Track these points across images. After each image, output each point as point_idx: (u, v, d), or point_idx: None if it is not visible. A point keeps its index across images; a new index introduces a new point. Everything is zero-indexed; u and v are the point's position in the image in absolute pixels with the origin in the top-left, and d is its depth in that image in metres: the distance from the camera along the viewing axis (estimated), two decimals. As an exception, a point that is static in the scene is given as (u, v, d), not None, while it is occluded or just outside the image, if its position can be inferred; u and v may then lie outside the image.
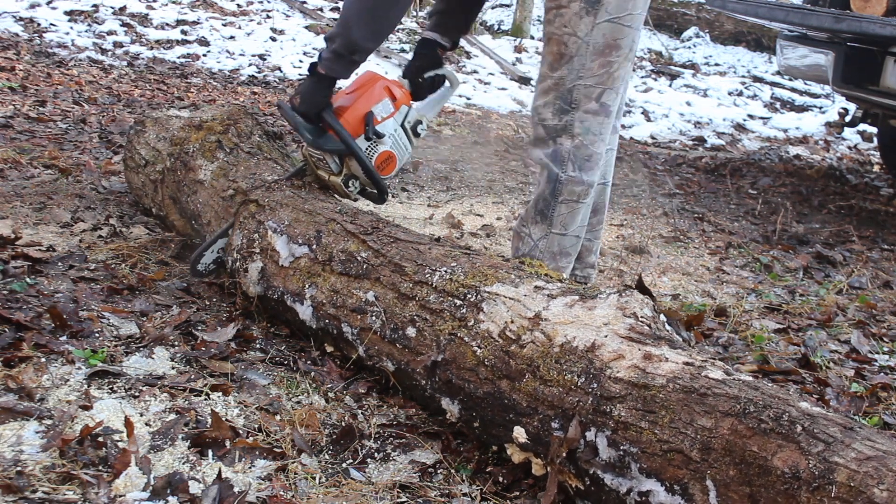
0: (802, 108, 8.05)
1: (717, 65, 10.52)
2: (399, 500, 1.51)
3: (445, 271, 1.78)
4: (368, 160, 2.24)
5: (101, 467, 1.46)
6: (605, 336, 1.49)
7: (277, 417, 1.73)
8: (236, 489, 1.44)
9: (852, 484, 1.12)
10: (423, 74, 2.44)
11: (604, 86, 2.19)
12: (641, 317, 1.51)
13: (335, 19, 8.97)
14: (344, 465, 1.62)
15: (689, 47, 11.39)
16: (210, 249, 2.26)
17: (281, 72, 6.80)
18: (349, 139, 2.20)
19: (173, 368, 1.88)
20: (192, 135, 2.59)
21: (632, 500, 1.36)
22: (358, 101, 2.24)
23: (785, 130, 7.15)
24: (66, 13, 7.12)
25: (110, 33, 6.90)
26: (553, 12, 2.20)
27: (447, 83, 2.50)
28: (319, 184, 2.32)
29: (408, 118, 2.34)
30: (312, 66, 2.17)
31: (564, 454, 1.43)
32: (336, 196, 2.32)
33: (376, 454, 1.66)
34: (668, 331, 1.53)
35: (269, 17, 8.31)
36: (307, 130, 2.19)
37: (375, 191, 2.32)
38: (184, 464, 1.53)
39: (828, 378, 2.25)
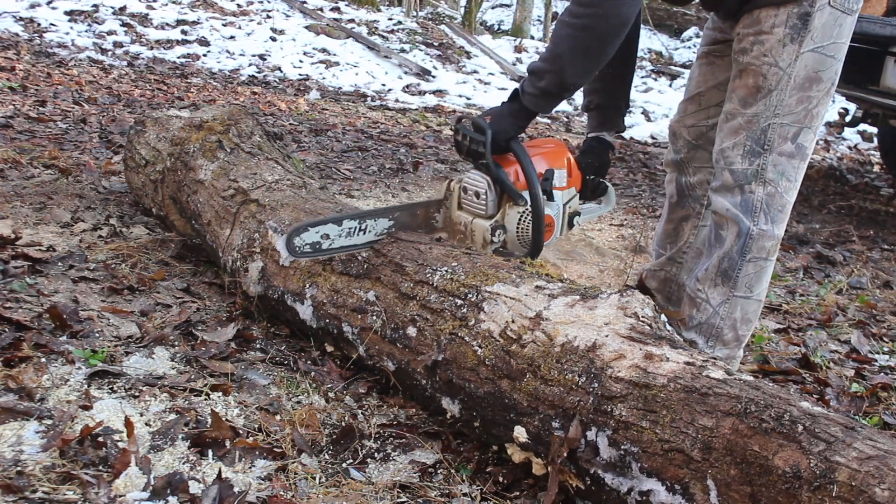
0: (802, 109, 8.03)
1: (716, 65, 10.51)
2: (399, 500, 1.51)
3: (446, 271, 1.78)
4: (541, 211, 1.96)
5: (101, 467, 1.46)
6: (606, 336, 1.48)
7: (277, 417, 1.73)
8: (236, 489, 1.43)
9: (853, 483, 1.12)
10: (591, 175, 2.22)
11: (801, 124, 1.96)
12: (642, 317, 1.51)
13: (336, 19, 8.95)
14: (344, 465, 1.62)
15: (689, 47, 11.40)
16: (315, 229, 1.90)
17: (281, 72, 6.80)
18: (535, 179, 1.94)
19: (173, 368, 1.87)
20: (193, 135, 2.59)
21: (632, 500, 1.36)
22: (544, 157, 2.02)
23: (785, 130, 7.14)
24: (66, 13, 7.12)
25: (110, 33, 6.90)
26: (750, 39, 1.94)
27: (605, 199, 2.29)
28: (444, 225, 2.03)
29: (571, 203, 2.11)
30: (514, 94, 1.96)
31: (565, 454, 1.43)
32: (468, 243, 1.99)
33: (376, 454, 1.66)
34: (668, 331, 1.53)
35: (269, 17, 8.31)
36: (493, 153, 1.93)
37: (526, 249, 2.01)
38: (184, 464, 1.53)
39: (828, 378, 2.25)
